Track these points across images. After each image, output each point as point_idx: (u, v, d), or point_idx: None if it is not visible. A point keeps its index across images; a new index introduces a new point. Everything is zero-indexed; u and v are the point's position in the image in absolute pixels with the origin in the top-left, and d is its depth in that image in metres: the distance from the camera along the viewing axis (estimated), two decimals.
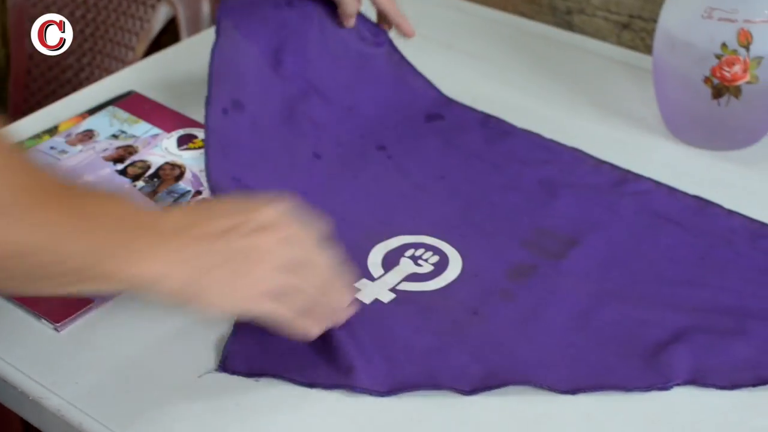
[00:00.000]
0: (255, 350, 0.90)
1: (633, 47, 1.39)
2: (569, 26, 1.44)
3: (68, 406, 0.86)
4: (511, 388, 0.87)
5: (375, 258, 1.00)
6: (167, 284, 0.80)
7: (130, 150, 1.15)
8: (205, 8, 1.63)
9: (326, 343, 0.90)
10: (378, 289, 0.97)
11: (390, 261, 1.00)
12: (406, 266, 0.99)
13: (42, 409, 0.87)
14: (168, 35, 1.64)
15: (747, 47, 1.08)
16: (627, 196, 1.08)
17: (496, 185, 1.10)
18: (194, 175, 1.11)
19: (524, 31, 1.40)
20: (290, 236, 0.86)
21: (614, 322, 0.93)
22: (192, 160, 1.13)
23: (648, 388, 0.87)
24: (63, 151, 1.15)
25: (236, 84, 1.13)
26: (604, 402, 0.87)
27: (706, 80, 1.11)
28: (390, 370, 0.88)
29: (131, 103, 1.23)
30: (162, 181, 1.10)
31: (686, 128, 1.17)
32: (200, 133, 1.16)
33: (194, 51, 1.33)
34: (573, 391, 0.87)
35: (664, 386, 0.87)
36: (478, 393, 0.87)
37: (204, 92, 1.12)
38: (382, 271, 0.99)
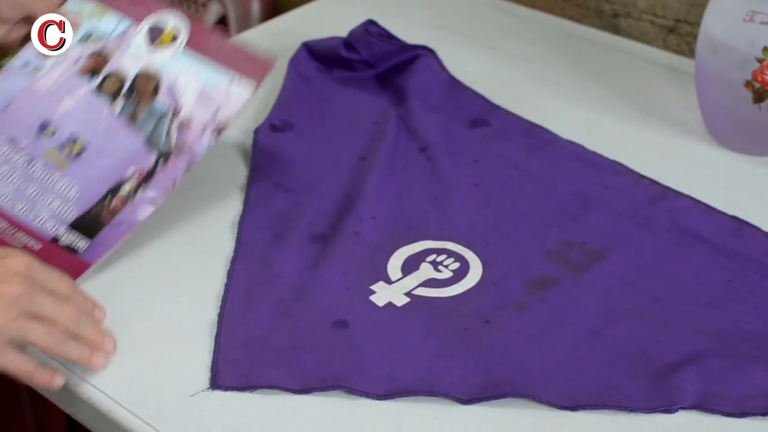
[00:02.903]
0: (244, 363, 0.89)
1: (678, 51, 1.37)
2: (615, 29, 1.43)
3: (99, 394, 0.88)
4: (513, 401, 0.86)
5: (396, 261, 1.00)
6: None
7: (102, 57, 1.09)
8: (255, 7, 1.65)
9: (318, 346, 0.90)
10: (393, 293, 0.96)
11: (410, 265, 1.00)
12: (425, 271, 0.99)
13: (73, 396, 0.89)
14: None
15: None
16: (662, 212, 1.06)
17: (530, 195, 1.09)
18: (169, 88, 1.07)
19: (569, 34, 1.40)
20: (38, 284, 0.86)
21: (627, 340, 0.91)
22: (164, 65, 1.08)
23: (651, 409, 0.85)
24: (36, 68, 1.09)
25: (286, 107, 1.22)
26: (605, 420, 0.85)
27: (747, 84, 1.10)
28: (390, 373, 0.88)
29: None
30: (139, 98, 1.07)
31: (727, 133, 1.16)
32: (169, 21, 1.11)
33: None
34: (573, 408, 0.85)
35: (669, 409, 0.85)
36: (476, 403, 0.86)
37: None
38: (401, 275, 0.98)
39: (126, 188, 1.02)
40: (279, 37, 1.38)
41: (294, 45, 1.32)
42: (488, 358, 0.89)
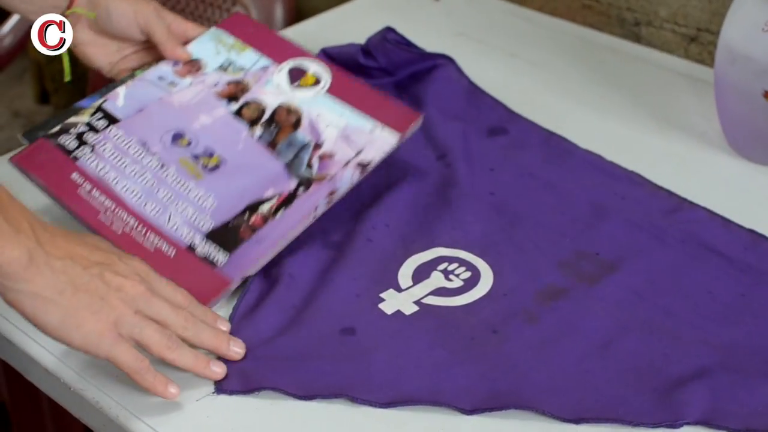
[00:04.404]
0: (250, 368, 0.89)
1: (700, 61, 1.36)
2: (637, 38, 1.42)
3: (106, 399, 0.88)
4: (517, 412, 0.85)
5: (407, 269, 1.00)
6: (26, 285, 0.80)
7: (241, 87, 1.11)
8: (278, 13, 1.65)
9: (324, 353, 0.90)
10: (402, 301, 0.96)
11: (421, 273, 0.99)
12: (435, 280, 0.98)
13: (82, 401, 0.89)
14: None
15: None
16: (677, 224, 1.05)
17: (545, 205, 1.09)
18: (311, 123, 1.07)
19: (590, 42, 1.39)
20: (155, 290, 0.87)
21: (636, 353, 0.90)
22: (306, 102, 1.09)
23: (656, 424, 0.84)
24: (172, 83, 1.11)
25: None
26: None
27: (766, 95, 1.09)
28: (395, 382, 0.87)
29: (235, 24, 1.17)
30: (279, 128, 1.07)
31: (746, 144, 1.15)
32: (311, 66, 1.13)
33: None
34: (576, 421, 0.84)
35: (673, 424, 0.83)
36: (479, 413, 0.85)
37: None
38: (411, 283, 0.98)
39: (265, 207, 1.00)
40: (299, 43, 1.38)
41: (314, 51, 1.32)
42: (494, 368, 0.89)
